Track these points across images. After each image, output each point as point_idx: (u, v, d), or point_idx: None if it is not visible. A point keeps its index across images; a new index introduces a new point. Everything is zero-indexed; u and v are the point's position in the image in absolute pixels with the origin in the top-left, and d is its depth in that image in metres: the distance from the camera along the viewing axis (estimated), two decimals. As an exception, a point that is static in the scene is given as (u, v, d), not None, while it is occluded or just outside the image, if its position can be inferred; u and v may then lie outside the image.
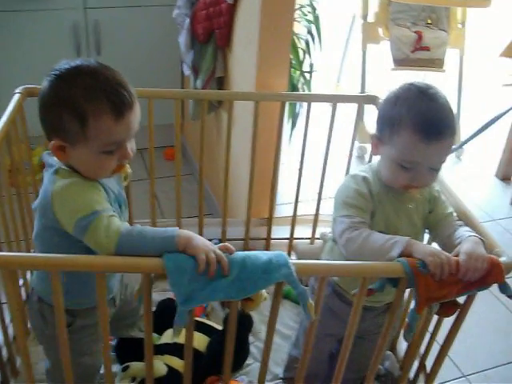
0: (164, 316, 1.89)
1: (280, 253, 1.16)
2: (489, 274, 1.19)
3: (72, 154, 1.22)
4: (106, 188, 1.29)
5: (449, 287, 1.19)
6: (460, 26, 3.61)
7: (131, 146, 1.27)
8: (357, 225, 1.32)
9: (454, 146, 3.46)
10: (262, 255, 1.15)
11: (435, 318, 1.43)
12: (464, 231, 1.34)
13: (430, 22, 3.59)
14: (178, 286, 1.10)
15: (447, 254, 1.20)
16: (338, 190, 1.44)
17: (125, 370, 1.70)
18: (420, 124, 1.28)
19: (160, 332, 1.84)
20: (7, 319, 1.67)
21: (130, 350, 1.73)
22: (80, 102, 1.16)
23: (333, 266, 1.25)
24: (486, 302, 2.44)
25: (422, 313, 1.21)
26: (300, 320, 1.72)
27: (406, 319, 1.24)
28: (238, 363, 1.81)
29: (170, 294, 2.03)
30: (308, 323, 1.29)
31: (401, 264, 1.18)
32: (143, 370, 1.39)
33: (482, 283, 1.20)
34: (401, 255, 1.22)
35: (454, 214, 1.44)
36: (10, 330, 1.69)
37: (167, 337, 1.82)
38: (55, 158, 1.28)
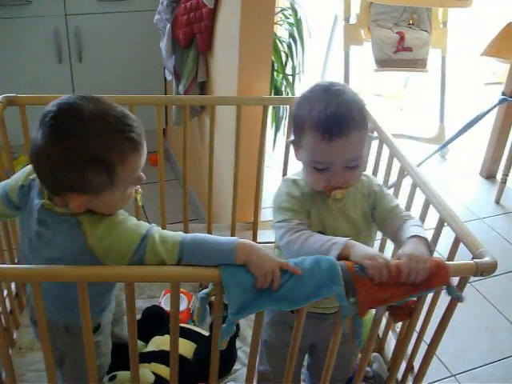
0: (150, 323, 1.88)
1: (335, 266, 1.14)
2: (434, 276, 1.18)
3: (95, 201, 1.17)
4: None
5: (391, 290, 1.17)
6: (442, 26, 3.63)
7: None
8: (296, 226, 1.30)
9: (437, 146, 3.49)
10: (316, 268, 1.14)
11: (422, 317, 1.44)
12: (410, 226, 1.31)
13: (411, 22, 3.61)
14: (234, 297, 1.12)
15: (385, 257, 1.18)
16: (274, 196, 1.42)
17: (112, 379, 1.68)
18: (319, 123, 1.25)
19: (146, 339, 1.83)
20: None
21: (118, 359, 1.72)
22: (102, 153, 1.10)
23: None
24: (473, 301, 2.45)
25: (365, 316, 1.19)
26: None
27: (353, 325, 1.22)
28: (226, 369, 1.80)
29: (156, 301, 2.02)
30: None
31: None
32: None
33: (428, 286, 1.18)
34: (340, 257, 1.19)
35: (401, 206, 1.42)
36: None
37: (153, 344, 1.81)
38: (60, 210, 1.20)
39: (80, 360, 1.41)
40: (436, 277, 1.18)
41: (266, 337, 1.57)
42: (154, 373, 1.68)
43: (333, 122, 1.24)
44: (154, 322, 1.87)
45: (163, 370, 1.67)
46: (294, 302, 1.15)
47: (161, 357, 1.71)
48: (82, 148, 1.09)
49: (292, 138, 1.37)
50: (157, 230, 1.18)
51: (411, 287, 1.18)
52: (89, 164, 1.10)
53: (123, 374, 1.66)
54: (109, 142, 1.11)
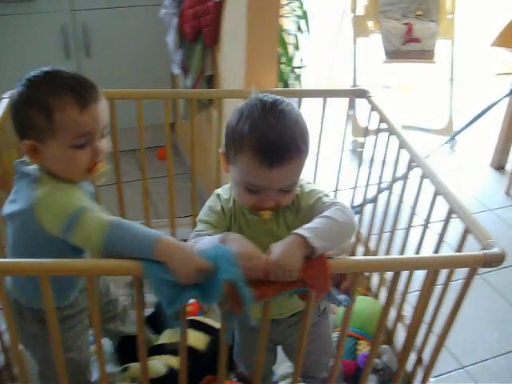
0: (162, 315, 1.88)
1: (230, 251, 1.11)
2: (314, 280, 1.14)
3: (44, 152, 1.24)
4: (85, 191, 1.32)
5: (265, 287, 1.13)
6: (450, 16, 3.61)
7: (103, 145, 1.29)
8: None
9: (447, 138, 3.47)
10: (217, 256, 1.11)
11: (431, 309, 1.44)
12: (314, 218, 1.24)
13: (419, 13, 3.59)
14: (161, 293, 1.11)
15: (258, 258, 1.12)
16: None
17: (124, 371, 1.69)
18: (260, 148, 1.17)
19: (160, 332, 1.84)
20: (3, 326, 1.66)
21: (131, 351, 1.72)
22: (44, 97, 1.21)
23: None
24: (482, 292, 2.45)
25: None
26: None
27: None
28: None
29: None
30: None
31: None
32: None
33: (304, 284, 1.15)
34: None
35: (325, 199, 1.31)
36: (6, 337, 1.68)
37: (166, 337, 1.81)
38: (30, 167, 1.29)
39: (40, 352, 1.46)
40: (317, 282, 1.15)
41: (237, 339, 1.61)
42: (167, 365, 1.69)
43: (275, 150, 1.17)
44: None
45: (176, 362, 1.66)
46: (207, 296, 1.10)
47: (173, 349, 1.71)
48: (30, 92, 1.23)
49: (223, 150, 1.29)
50: (100, 211, 1.19)
51: (285, 284, 1.14)
52: (31, 105, 1.21)
53: (135, 366, 1.67)
54: (52, 90, 1.22)
